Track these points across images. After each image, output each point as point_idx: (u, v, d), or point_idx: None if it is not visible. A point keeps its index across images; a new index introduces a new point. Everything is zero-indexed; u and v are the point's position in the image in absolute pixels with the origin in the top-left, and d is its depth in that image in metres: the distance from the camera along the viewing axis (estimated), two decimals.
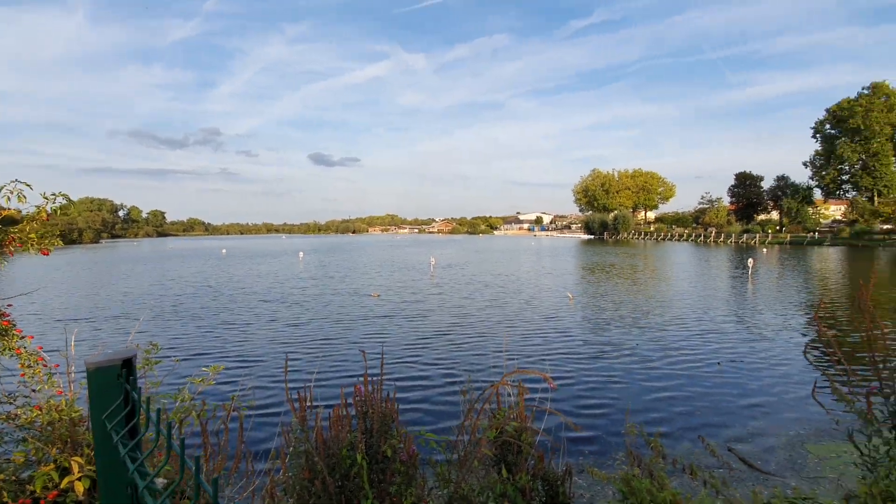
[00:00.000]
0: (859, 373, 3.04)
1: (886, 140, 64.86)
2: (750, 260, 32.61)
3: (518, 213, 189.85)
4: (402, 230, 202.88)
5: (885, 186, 65.25)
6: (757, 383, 9.33)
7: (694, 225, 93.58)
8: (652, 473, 3.00)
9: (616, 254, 49.64)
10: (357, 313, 16.69)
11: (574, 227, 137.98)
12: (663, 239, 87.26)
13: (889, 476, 2.59)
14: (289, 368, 10.14)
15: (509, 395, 3.52)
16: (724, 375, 9.86)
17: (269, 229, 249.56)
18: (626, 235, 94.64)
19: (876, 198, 65.82)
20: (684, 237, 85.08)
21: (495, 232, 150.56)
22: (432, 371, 10.03)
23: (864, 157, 66.48)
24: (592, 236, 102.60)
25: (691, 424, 7.52)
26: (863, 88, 68.60)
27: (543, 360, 10.84)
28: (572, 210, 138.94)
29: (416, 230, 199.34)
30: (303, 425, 2.59)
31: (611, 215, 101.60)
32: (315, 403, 2.87)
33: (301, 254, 49.13)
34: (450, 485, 2.50)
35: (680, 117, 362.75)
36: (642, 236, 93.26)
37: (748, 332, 13.90)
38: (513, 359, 10.73)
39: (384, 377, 2.59)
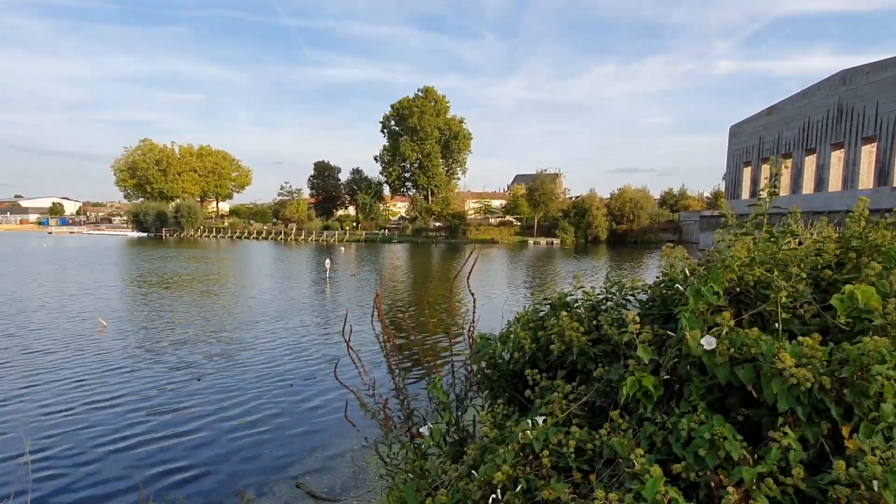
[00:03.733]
0: (382, 380, 4.06)
1: (435, 142, 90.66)
2: (327, 261, 38.48)
3: (18, 196, 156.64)
4: None
5: (436, 186, 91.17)
6: (325, 403, 11.14)
7: (274, 220, 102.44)
8: None
9: (180, 259, 48.21)
10: None
11: (118, 220, 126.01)
12: (240, 237, 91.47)
13: (405, 482, 3.54)
14: None
15: None
16: (296, 398, 11.28)
17: None
18: (193, 233, 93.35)
19: (430, 196, 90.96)
20: (263, 234, 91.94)
21: None
22: None
23: (420, 156, 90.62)
24: (146, 234, 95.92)
25: (259, 468, 8.19)
26: (418, 90, 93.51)
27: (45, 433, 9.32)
28: (114, 196, 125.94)
29: None
30: None
31: (171, 205, 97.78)
32: None
33: None
34: None
35: (253, 87, 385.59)
36: (214, 234, 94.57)
37: (324, 343, 16.40)
38: None
39: None
